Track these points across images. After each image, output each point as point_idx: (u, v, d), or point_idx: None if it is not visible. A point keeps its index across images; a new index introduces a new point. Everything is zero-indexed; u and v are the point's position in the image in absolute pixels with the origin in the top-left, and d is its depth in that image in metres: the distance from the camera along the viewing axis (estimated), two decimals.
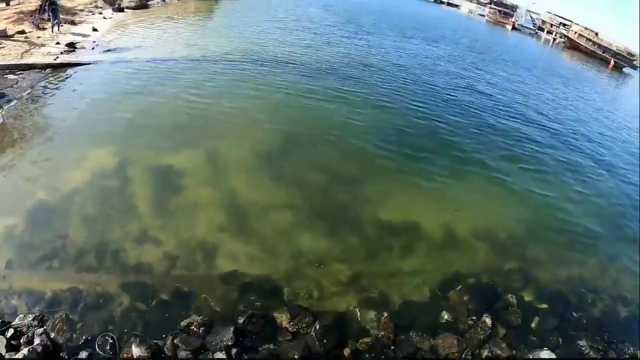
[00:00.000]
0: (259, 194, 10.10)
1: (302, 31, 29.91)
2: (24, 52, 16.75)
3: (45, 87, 14.26)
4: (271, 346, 6.58)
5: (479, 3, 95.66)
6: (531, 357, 7.29)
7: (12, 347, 5.96)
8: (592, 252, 10.64)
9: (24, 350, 5.84)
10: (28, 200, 8.74)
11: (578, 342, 7.77)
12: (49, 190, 9.13)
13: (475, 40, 46.25)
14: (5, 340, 5.99)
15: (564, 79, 36.13)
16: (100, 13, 26.03)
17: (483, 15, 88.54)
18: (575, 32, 68.94)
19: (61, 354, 6.01)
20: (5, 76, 14.49)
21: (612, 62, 61.90)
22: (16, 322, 6.28)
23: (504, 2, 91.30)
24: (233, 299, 7.27)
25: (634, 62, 64.26)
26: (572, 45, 68.67)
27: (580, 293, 9.10)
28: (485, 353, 7.17)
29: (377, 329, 7.17)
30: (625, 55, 63.39)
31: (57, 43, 18.26)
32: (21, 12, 21.60)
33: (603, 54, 64.12)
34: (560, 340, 7.78)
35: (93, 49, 18.65)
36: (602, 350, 7.73)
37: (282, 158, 11.84)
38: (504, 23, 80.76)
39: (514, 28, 78.89)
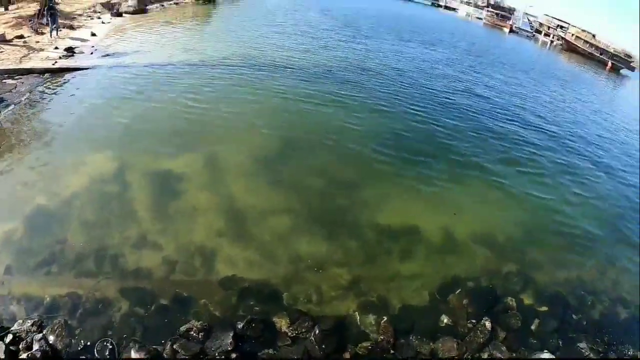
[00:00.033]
0: (257, 198, 10.10)
1: (300, 35, 29.97)
2: (23, 56, 16.75)
3: (43, 91, 14.26)
4: (271, 351, 6.57)
5: (477, 6, 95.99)
6: (531, 359, 7.28)
7: (11, 353, 5.94)
8: (591, 254, 10.66)
9: (23, 356, 5.84)
10: (26, 205, 8.72)
11: (578, 344, 7.78)
12: (47, 195, 9.11)
13: (472, 44, 46.40)
14: (4, 346, 5.97)
15: (562, 81, 36.25)
16: (99, 18, 26.05)
17: (480, 19, 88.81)
18: (573, 34, 69.26)
19: None
20: (4, 81, 14.48)
21: (609, 64, 62.15)
22: (15, 327, 6.26)
23: (502, 5, 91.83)
24: (232, 304, 7.26)
25: (631, 64, 64.56)
26: (569, 48, 68.93)
27: (579, 295, 9.10)
28: (485, 356, 7.17)
29: (376, 333, 7.16)
30: (623, 57, 63.69)
31: (56, 48, 18.27)
32: (20, 17, 21.62)
33: (600, 56, 64.39)
34: (561, 342, 7.78)
35: (92, 53, 18.66)
36: (602, 352, 7.74)
37: (280, 162, 11.85)
38: (502, 26, 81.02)
39: (511, 31, 79.17)
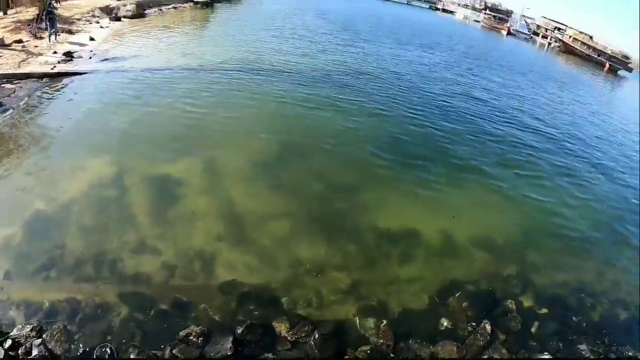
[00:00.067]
0: (256, 202, 10.10)
1: (298, 39, 30.08)
2: (21, 61, 16.76)
3: (42, 96, 14.25)
4: (270, 355, 6.54)
5: (474, 9, 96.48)
6: None
7: (10, 358, 5.91)
8: (590, 256, 10.68)
9: None
10: (25, 210, 8.69)
11: (578, 346, 7.77)
12: (45, 200, 9.09)
13: (470, 46, 46.61)
14: (3, 352, 5.94)
15: (560, 83, 36.41)
16: (98, 22, 26.09)
17: (478, 21, 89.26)
18: (570, 36, 69.63)
19: None
20: (3, 85, 14.47)
21: (607, 65, 62.48)
22: (14, 333, 6.24)
23: (499, 7, 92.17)
24: (232, 309, 7.23)
25: (628, 65, 64.88)
26: (567, 49, 69.30)
27: (579, 297, 9.12)
28: (485, 359, 7.16)
29: (376, 337, 7.14)
30: (620, 58, 64.04)
31: (55, 52, 18.27)
32: (19, 21, 21.62)
33: (598, 57, 64.75)
34: (561, 344, 7.77)
35: (90, 58, 18.68)
36: (602, 353, 7.74)
37: (279, 167, 11.85)
38: (499, 28, 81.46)
39: (509, 33, 79.63)
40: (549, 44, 75.33)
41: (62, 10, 25.34)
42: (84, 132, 12.27)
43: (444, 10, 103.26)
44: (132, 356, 6.12)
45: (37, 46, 18.91)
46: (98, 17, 27.35)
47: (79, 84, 15.72)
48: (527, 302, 8.60)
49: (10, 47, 17.96)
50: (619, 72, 63.41)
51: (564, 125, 21.82)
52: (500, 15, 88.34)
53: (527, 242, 10.60)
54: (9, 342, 6.08)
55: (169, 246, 8.30)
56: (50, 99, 14.22)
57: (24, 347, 6.05)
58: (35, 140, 11.43)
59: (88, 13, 27.37)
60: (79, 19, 25.60)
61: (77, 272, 7.49)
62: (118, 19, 27.96)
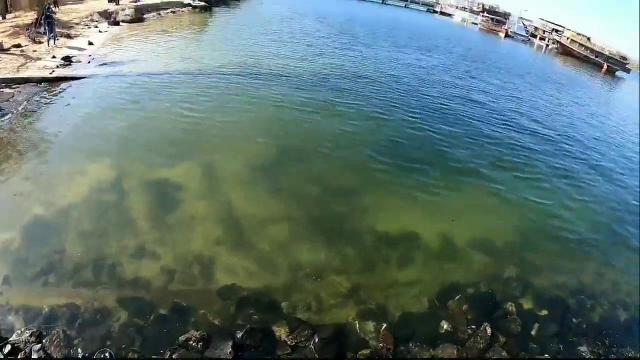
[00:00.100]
0: (255, 207, 10.10)
1: (296, 43, 30.14)
2: (20, 65, 16.76)
3: (40, 100, 14.24)
4: None
5: (472, 12, 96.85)
6: None
7: None
8: (590, 258, 10.70)
9: None
10: (23, 215, 8.68)
11: (579, 348, 7.79)
12: (44, 204, 9.07)
13: (468, 49, 46.76)
14: (2, 357, 5.93)
15: (558, 85, 36.51)
16: (96, 27, 26.08)
17: (476, 24, 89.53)
18: (568, 38, 69.84)
19: None
20: (1, 90, 14.46)
21: (604, 66, 62.67)
22: (13, 338, 6.21)
23: (497, 10, 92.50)
24: (231, 313, 7.22)
25: (626, 66, 65.08)
26: (564, 51, 69.52)
27: (579, 298, 9.14)
28: None
29: (376, 341, 7.13)
30: (618, 59, 64.24)
31: (53, 57, 18.28)
32: (17, 26, 21.64)
33: (596, 59, 64.97)
34: (561, 346, 7.78)
35: (89, 62, 18.69)
36: (602, 354, 7.75)
37: (277, 171, 11.86)
38: (497, 31, 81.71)
39: (506, 35, 79.90)
40: (547, 45, 75.57)
41: (60, 14, 25.35)
42: (82, 137, 12.26)
43: (442, 13, 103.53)
44: None
45: (35, 51, 18.91)
46: (97, 21, 27.35)
47: (77, 89, 15.72)
48: (527, 304, 8.60)
49: (9, 52, 17.96)
50: (616, 73, 63.62)
51: (562, 126, 21.88)
52: (498, 18, 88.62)
53: (527, 245, 10.61)
54: (8, 347, 6.06)
55: (167, 251, 8.29)
56: (49, 103, 14.22)
57: (23, 352, 6.02)
58: (34, 145, 11.42)
59: (87, 17, 27.37)
60: (77, 24, 25.60)
61: (76, 277, 7.48)
62: (117, 23, 27.98)
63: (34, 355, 5.94)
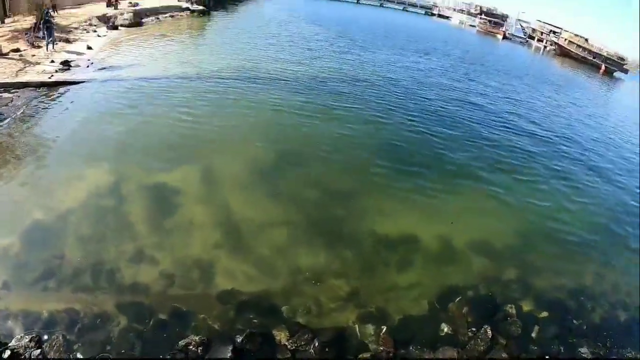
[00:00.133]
0: (254, 211, 10.09)
1: (294, 47, 30.21)
2: (19, 70, 16.77)
3: (39, 105, 14.25)
4: None
5: (470, 14, 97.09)
6: None
7: None
8: (590, 259, 10.69)
9: None
10: (22, 220, 8.67)
11: (579, 349, 7.76)
12: (42, 209, 9.06)
13: (466, 51, 46.89)
14: None
15: (556, 86, 36.59)
16: (95, 31, 26.11)
17: (474, 26, 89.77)
18: (566, 39, 70.00)
19: None
20: (0, 94, 14.48)
21: (602, 67, 62.82)
22: (13, 343, 6.19)
23: (494, 12, 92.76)
24: (231, 318, 7.20)
25: (624, 67, 65.23)
26: (562, 52, 69.69)
27: (579, 300, 9.12)
28: None
29: (376, 344, 7.11)
30: (616, 59, 64.37)
31: (52, 61, 18.29)
32: (16, 30, 21.67)
33: (594, 60, 65.10)
34: (562, 348, 7.75)
35: (88, 67, 18.71)
36: (603, 355, 7.73)
37: (276, 175, 11.86)
38: (495, 33, 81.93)
39: (504, 37, 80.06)
40: (545, 47, 75.77)
41: (59, 19, 25.40)
42: (80, 142, 12.26)
43: (440, 16, 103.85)
44: None
45: (34, 55, 18.93)
46: (95, 25, 27.39)
47: (76, 93, 15.73)
48: (527, 306, 8.59)
49: (7, 56, 17.98)
50: (614, 74, 63.76)
51: (560, 128, 21.91)
52: (496, 20, 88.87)
53: (526, 246, 10.61)
54: (7, 353, 6.04)
55: (166, 255, 8.27)
56: (47, 108, 14.22)
57: (22, 357, 6.01)
58: (33, 150, 11.42)
59: (85, 22, 27.40)
60: (76, 28, 25.62)
61: (76, 282, 7.46)
62: (115, 27, 28.02)
63: None
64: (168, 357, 6.29)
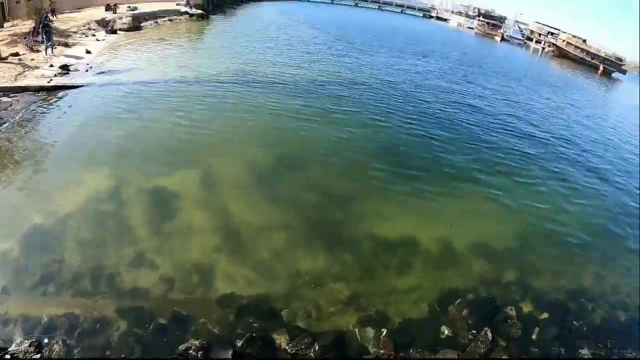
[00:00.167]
0: (253, 214, 10.10)
1: (292, 50, 30.29)
2: (18, 74, 16.79)
3: (38, 109, 14.26)
4: None
5: (468, 16, 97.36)
6: None
7: None
8: (589, 260, 10.69)
9: None
10: (21, 225, 8.67)
11: (580, 350, 7.78)
12: (41, 214, 9.07)
13: (464, 53, 47.00)
14: None
15: (554, 88, 36.65)
16: (94, 35, 26.17)
17: (472, 28, 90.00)
18: (564, 40, 70.19)
19: None
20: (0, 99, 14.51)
21: (601, 68, 62.98)
22: (12, 348, 6.18)
23: (492, 14, 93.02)
24: (231, 322, 7.19)
25: (622, 67, 65.40)
26: (560, 54, 69.88)
27: (579, 301, 9.12)
28: None
29: (376, 347, 7.11)
30: (614, 60, 64.53)
31: (51, 65, 18.32)
32: (15, 34, 21.72)
33: (592, 61, 65.26)
34: (562, 349, 7.76)
35: (86, 71, 18.73)
36: (604, 356, 7.73)
37: (274, 179, 11.86)
38: (493, 35, 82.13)
39: (502, 39, 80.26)
40: (543, 48, 75.99)
41: (58, 23, 25.49)
42: (79, 146, 12.26)
43: (438, 18, 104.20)
44: None
45: (33, 59, 18.96)
46: (94, 29, 27.45)
47: (75, 97, 15.75)
48: (527, 308, 8.59)
49: (6, 61, 18.02)
50: (612, 74, 63.93)
51: (559, 129, 21.94)
52: (494, 22, 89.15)
53: (526, 248, 10.60)
54: (7, 358, 6.03)
55: (166, 259, 8.27)
56: (46, 112, 14.24)
57: None
58: (31, 154, 11.42)
59: (84, 26, 27.46)
60: (75, 32, 25.68)
61: (75, 287, 7.46)
62: (114, 31, 28.10)
63: None
64: None
